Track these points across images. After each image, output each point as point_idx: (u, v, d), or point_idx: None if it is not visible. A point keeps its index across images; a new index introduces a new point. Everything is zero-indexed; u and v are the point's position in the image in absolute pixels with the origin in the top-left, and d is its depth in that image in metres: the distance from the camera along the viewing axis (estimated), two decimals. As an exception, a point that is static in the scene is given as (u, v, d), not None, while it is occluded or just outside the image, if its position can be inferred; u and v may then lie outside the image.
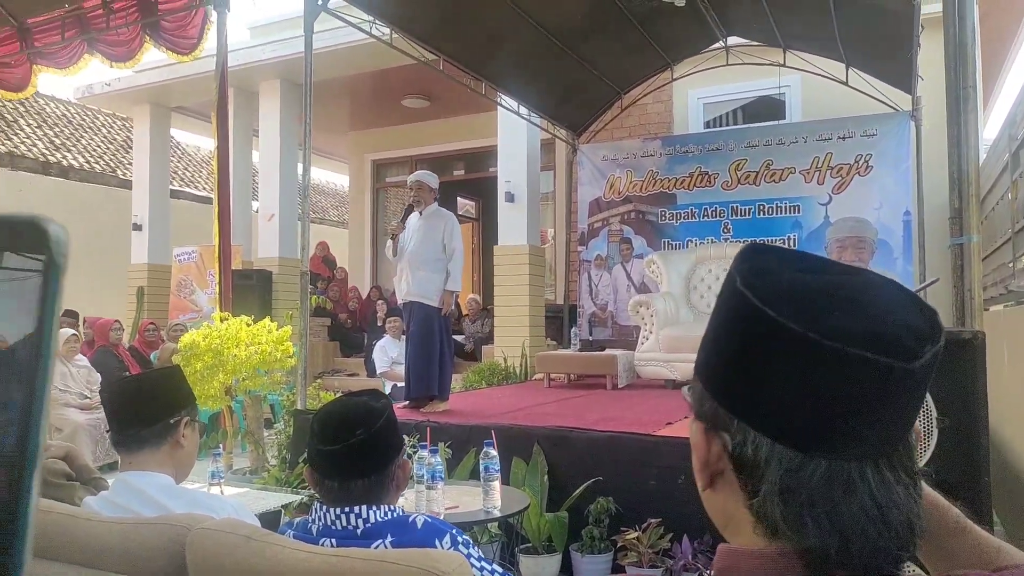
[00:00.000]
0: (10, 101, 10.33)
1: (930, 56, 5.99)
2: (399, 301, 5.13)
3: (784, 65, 7.12)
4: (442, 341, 4.82)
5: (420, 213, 4.89)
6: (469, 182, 11.59)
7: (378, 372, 7.51)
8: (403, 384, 7.01)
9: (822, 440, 0.53)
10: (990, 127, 9.79)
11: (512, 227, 8.04)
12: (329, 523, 1.50)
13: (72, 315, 7.75)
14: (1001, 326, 4.40)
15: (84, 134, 13.19)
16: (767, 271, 0.57)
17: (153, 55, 6.28)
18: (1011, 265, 4.47)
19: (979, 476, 2.24)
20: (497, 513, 2.81)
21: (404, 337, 7.64)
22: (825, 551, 0.53)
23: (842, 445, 0.53)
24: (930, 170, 6.72)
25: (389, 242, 5.00)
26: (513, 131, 7.99)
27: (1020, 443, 3.92)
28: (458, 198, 12.47)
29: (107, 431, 1.79)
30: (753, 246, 0.61)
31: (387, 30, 5.70)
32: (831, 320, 0.52)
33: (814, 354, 0.52)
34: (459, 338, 9.00)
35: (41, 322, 0.32)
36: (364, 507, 1.49)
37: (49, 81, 8.01)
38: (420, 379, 4.79)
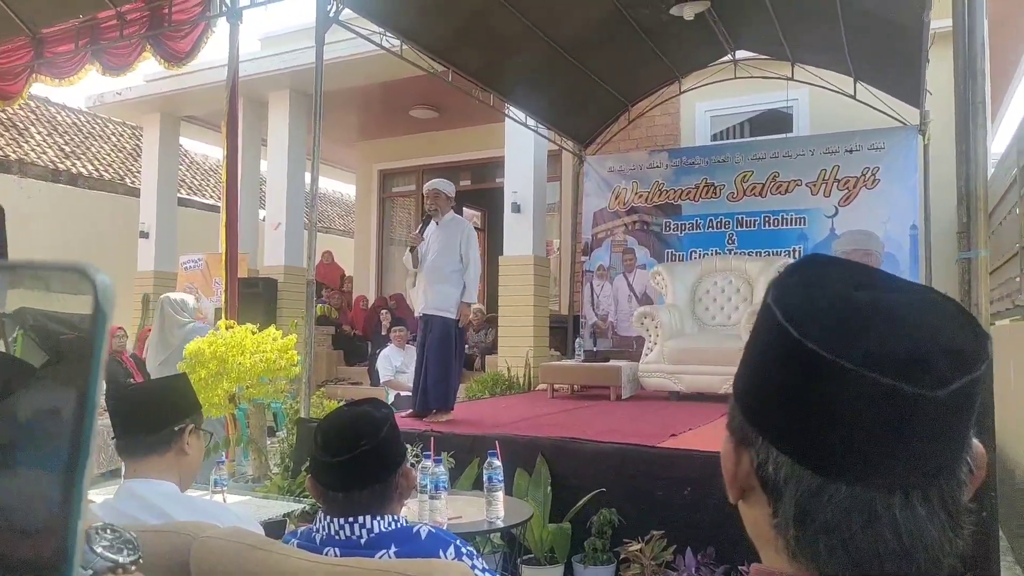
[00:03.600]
0: (4, 110, 10.38)
1: (939, 71, 6.00)
2: (416, 313, 5.16)
3: (792, 79, 7.13)
4: (454, 353, 4.85)
5: (437, 223, 4.90)
6: (475, 193, 11.62)
7: (382, 381, 7.51)
8: (407, 393, 7.04)
9: (842, 466, 0.51)
10: (998, 141, 9.78)
11: (518, 238, 8.05)
12: (333, 533, 1.50)
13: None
14: (1008, 340, 4.38)
15: (94, 142, 13.29)
16: (813, 284, 0.55)
17: (151, 66, 6.32)
18: (1018, 279, 4.46)
19: (986, 492, 2.23)
20: (500, 524, 2.81)
21: (409, 346, 7.71)
22: None
23: (865, 473, 0.51)
24: (937, 184, 6.71)
25: (408, 253, 5.03)
26: (520, 142, 8.01)
27: (1028, 459, 3.90)
28: (464, 208, 12.50)
29: (112, 438, 1.80)
30: (810, 257, 0.59)
31: (397, 42, 5.73)
32: (857, 341, 0.50)
33: (832, 376, 0.50)
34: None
35: (88, 368, 0.33)
36: (368, 517, 1.48)
37: (40, 90, 8.08)
38: (436, 392, 4.78)
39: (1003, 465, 4.17)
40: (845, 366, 0.49)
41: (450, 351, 4.79)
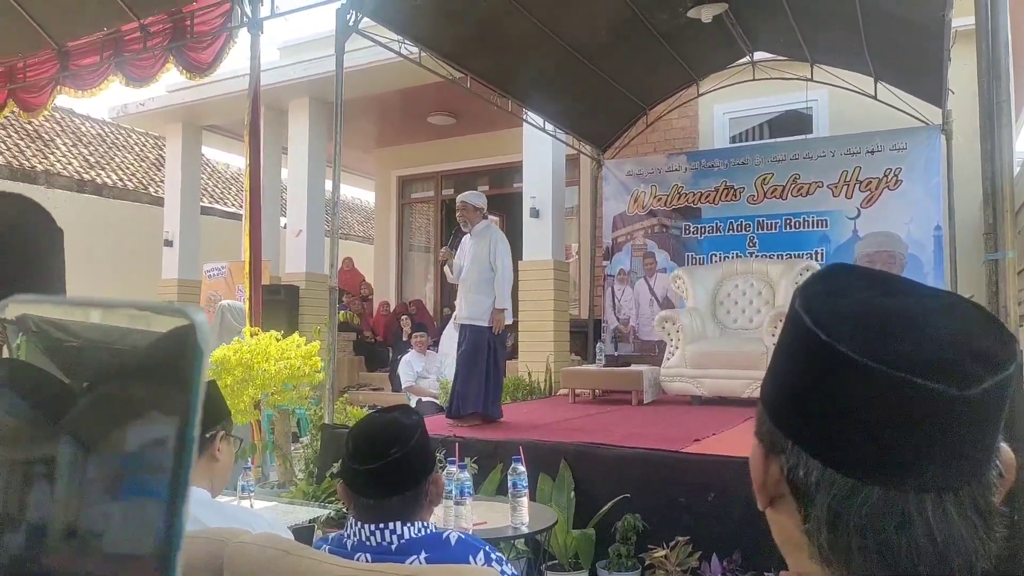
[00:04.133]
0: (30, 122, 10.59)
1: (961, 69, 5.94)
2: (453, 322, 5.32)
3: (811, 80, 7.09)
4: (488, 361, 4.90)
5: (470, 233, 5.02)
6: (494, 198, 11.57)
7: (403, 387, 7.55)
8: (428, 399, 7.08)
9: (875, 468, 0.52)
10: (1022, 140, 9.64)
11: (537, 242, 8.06)
12: (364, 539, 1.51)
13: None
14: (1037, 343, 4.31)
15: (118, 152, 13.49)
16: (840, 292, 0.56)
17: (172, 76, 6.41)
18: (1047, 281, 4.39)
19: (1016, 495, 2.20)
20: (525, 529, 2.81)
21: (430, 352, 7.74)
22: None
23: (897, 475, 0.51)
24: (961, 184, 6.63)
25: (446, 269, 5.22)
26: (538, 147, 8.03)
27: (1059, 463, 3.84)
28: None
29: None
30: (835, 265, 0.59)
31: (415, 49, 5.78)
32: (885, 344, 0.51)
33: (862, 378, 0.50)
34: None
35: (187, 405, 0.34)
36: (399, 523, 1.50)
37: (64, 101, 8.24)
38: (464, 397, 4.89)
39: (1033, 469, 4.10)
40: (876, 368, 0.50)
41: (482, 359, 4.88)
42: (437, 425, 4.91)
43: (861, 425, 0.52)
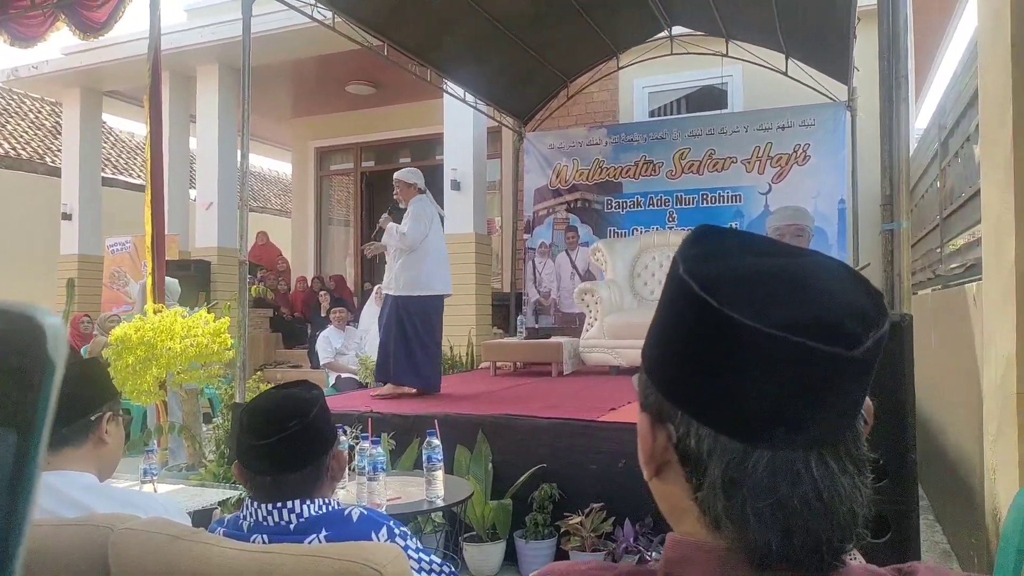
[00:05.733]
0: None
1: (865, 48, 6.16)
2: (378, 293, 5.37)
3: (726, 55, 7.23)
4: (397, 331, 4.89)
5: (407, 210, 5.00)
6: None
7: (322, 363, 7.39)
8: (348, 375, 6.96)
9: (765, 431, 0.52)
10: (921, 117, 10.15)
11: (458, 215, 7.99)
12: (261, 519, 1.45)
13: None
14: (928, 309, 4.57)
15: (10, 119, 12.60)
16: (715, 255, 0.55)
17: (68, 37, 5.98)
18: (939, 250, 4.64)
19: (906, 454, 2.32)
20: (440, 503, 2.80)
21: (350, 327, 7.61)
22: (767, 545, 0.52)
23: (786, 436, 0.52)
24: (864, 159, 6.93)
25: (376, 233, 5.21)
26: (459, 119, 7.92)
27: (944, 422, 4.09)
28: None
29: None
30: (702, 229, 0.59)
31: (329, 14, 5.57)
32: (774, 308, 0.51)
33: (756, 343, 0.51)
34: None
35: (31, 423, 0.31)
36: (297, 501, 1.45)
37: None
38: (384, 365, 4.92)
39: (923, 427, 4.37)
40: (767, 331, 0.50)
41: (388, 326, 4.90)
42: (356, 400, 4.83)
43: (752, 390, 0.52)
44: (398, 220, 5.02)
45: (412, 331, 4.94)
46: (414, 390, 4.96)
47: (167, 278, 5.63)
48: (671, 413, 0.57)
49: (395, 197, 5.08)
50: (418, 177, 5.08)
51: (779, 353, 0.50)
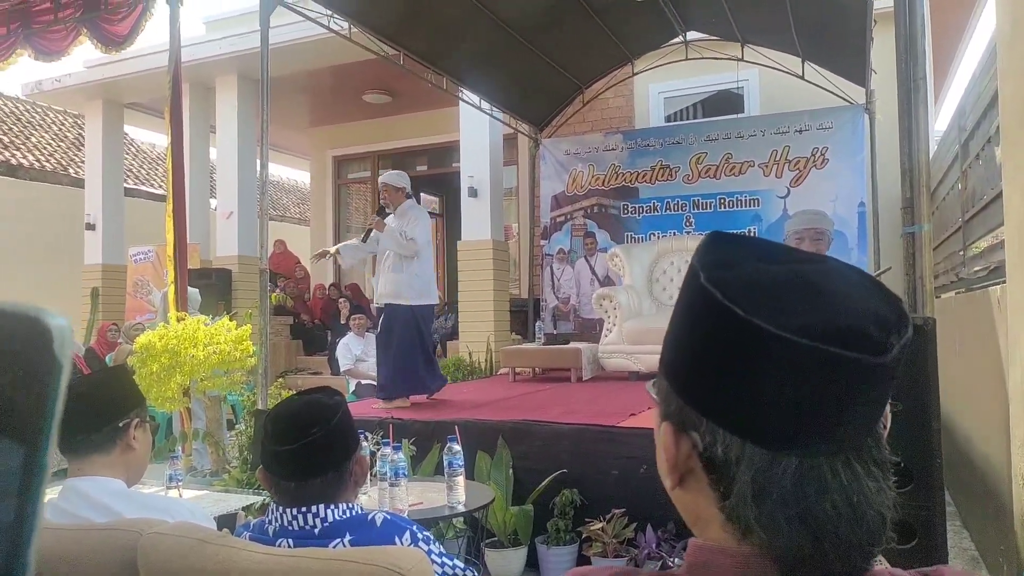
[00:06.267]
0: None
1: (882, 50, 6.13)
2: (375, 304, 5.17)
3: (742, 59, 7.21)
4: (407, 341, 4.80)
5: (393, 214, 4.90)
6: (432, 178, 11.53)
7: (342, 370, 7.44)
8: (368, 382, 6.99)
9: (793, 438, 0.52)
10: (941, 119, 10.05)
11: (475, 222, 8.02)
12: (286, 524, 1.47)
13: None
14: (951, 313, 4.52)
15: (34, 132, 12.81)
16: (730, 263, 0.55)
17: (90, 51, 6.08)
18: (961, 253, 4.60)
19: (932, 458, 2.30)
20: (461, 508, 2.81)
21: (369, 334, 7.65)
22: (800, 551, 0.52)
23: (813, 442, 0.52)
24: (884, 162, 6.86)
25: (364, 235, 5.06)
26: (475, 126, 7.96)
27: (969, 426, 4.04)
28: (421, 194, 12.40)
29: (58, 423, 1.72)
30: (715, 236, 0.59)
31: (345, 24, 5.62)
32: (799, 315, 0.51)
33: (783, 351, 0.51)
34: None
35: (40, 424, 0.31)
36: (322, 506, 1.46)
37: None
38: (384, 380, 4.78)
39: (947, 432, 4.32)
40: (795, 340, 0.50)
41: (408, 337, 4.78)
42: (376, 407, 4.85)
43: (782, 398, 0.52)
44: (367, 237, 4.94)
45: (428, 339, 4.93)
46: (426, 397, 4.92)
47: (189, 288, 5.70)
48: (696, 421, 0.56)
49: (382, 201, 4.98)
50: (406, 181, 5.00)
51: (807, 361, 0.50)
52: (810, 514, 0.52)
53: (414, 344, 4.81)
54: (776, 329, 0.50)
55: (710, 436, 0.55)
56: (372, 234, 4.91)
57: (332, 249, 4.99)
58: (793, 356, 0.50)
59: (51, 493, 1.80)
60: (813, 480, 0.52)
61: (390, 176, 4.99)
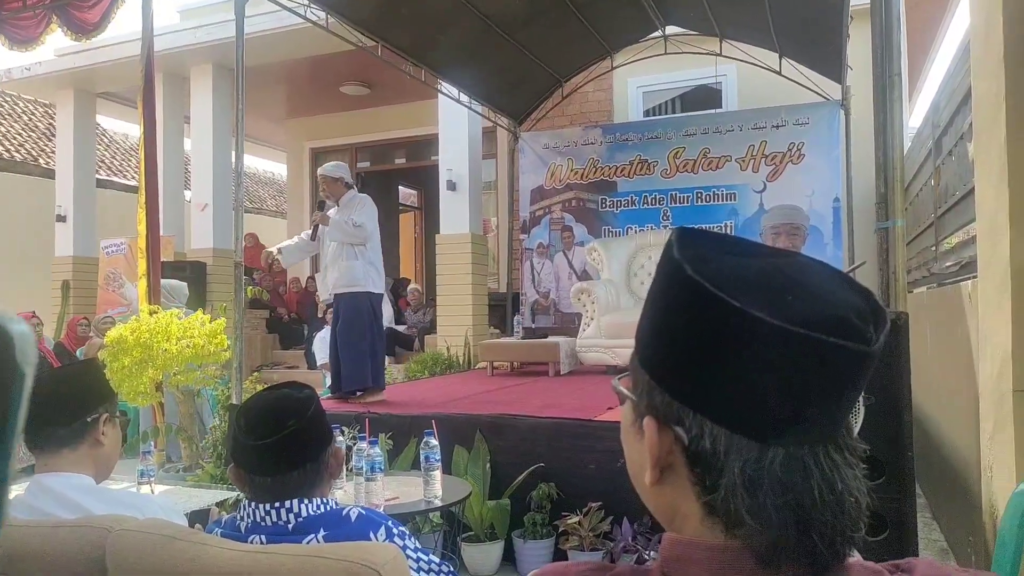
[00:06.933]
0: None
1: (859, 46, 6.19)
2: (323, 298, 5.04)
3: (720, 54, 7.24)
4: (371, 329, 4.69)
5: (337, 206, 4.79)
6: (411, 171, 11.47)
7: (318, 364, 7.38)
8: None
9: (783, 428, 0.53)
10: (915, 116, 10.17)
11: (454, 216, 7.99)
12: (259, 519, 1.45)
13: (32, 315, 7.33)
14: (924, 308, 4.58)
15: (3, 121, 12.55)
16: (706, 257, 0.55)
17: (61, 39, 5.94)
18: (934, 248, 4.66)
19: (903, 451, 2.33)
20: (438, 503, 2.80)
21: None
22: (786, 540, 0.52)
23: (799, 432, 0.53)
24: (859, 158, 6.94)
25: (307, 231, 4.92)
26: (454, 119, 7.92)
27: (940, 419, 4.10)
28: (399, 187, 12.33)
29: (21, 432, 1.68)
30: (685, 231, 0.58)
31: (323, 14, 5.56)
32: (789, 306, 0.51)
33: (778, 341, 0.51)
34: (401, 328, 8.92)
35: (1, 434, 0.30)
36: (295, 501, 1.44)
37: None
38: (350, 372, 4.65)
39: (919, 425, 4.38)
40: (792, 329, 0.50)
41: (357, 326, 4.64)
42: (348, 404, 4.82)
43: (772, 388, 0.52)
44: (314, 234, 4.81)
45: (382, 329, 4.81)
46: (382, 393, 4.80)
47: (175, 281, 5.62)
48: (681, 415, 0.56)
49: (320, 195, 4.87)
50: (343, 171, 4.90)
51: (802, 351, 0.51)
52: (798, 503, 0.52)
53: (373, 331, 4.71)
54: (772, 319, 0.51)
55: (696, 429, 0.55)
56: (319, 230, 4.78)
57: (273, 251, 4.82)
58: (788, 346, 0.51)
59: (18, 489, 1.76)
60: (798, 469, 0.53)
61: (326, 168, 4.89)
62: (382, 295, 4.91)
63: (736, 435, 0.53)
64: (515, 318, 7.21)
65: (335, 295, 4.76)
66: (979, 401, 2.70)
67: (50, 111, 12.53)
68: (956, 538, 3.45)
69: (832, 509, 0.53)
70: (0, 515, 0.30)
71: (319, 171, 4.93)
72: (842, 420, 0.55)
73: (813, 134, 7.28)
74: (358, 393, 4.65)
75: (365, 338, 4.65)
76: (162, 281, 5.04)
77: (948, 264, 4.05)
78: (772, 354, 0.51)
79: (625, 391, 0.62)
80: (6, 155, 11.59)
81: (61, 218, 9.65)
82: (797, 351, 0.51)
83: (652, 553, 3.07)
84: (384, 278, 4.98)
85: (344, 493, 2.84)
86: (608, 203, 8.06)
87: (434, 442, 2.85)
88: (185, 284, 5.92)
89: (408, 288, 9.71)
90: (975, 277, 2.84)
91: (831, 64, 6.60)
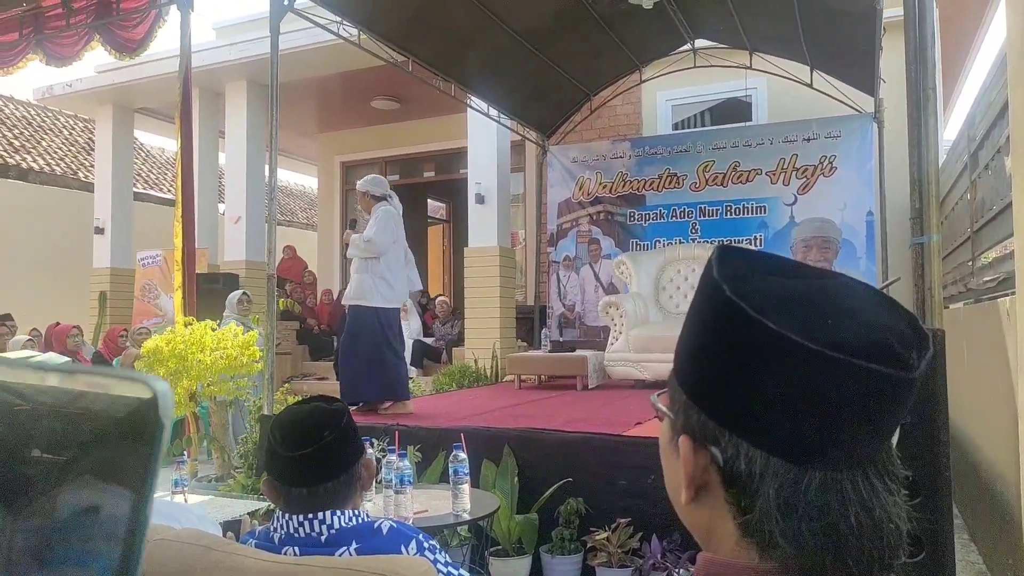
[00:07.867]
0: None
1: (892, 59, 6.11)
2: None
3: (750, 68, 7.20)
4: (376, 343, 4.67)
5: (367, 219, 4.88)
6: (439, 184, 11.55)
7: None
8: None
9: (820, 452, 0.52)
10: (950, 129, 10.02)
11: (482, 229, 8.03)
12: (292, 531, 1.47)
13: (8, 318, 7.42)
14: (961, 324, 4.49)
15: (44, 136, 12.90)
16: (745, 276, 0.55)
17: (100, 56, 6.13)
18: (970, 264, 4.57)
19: (940, 471, 2.28)
20: (466, 516, 2.80)
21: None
22: (822, 566, 0.52)
23: (836, 456, 0.52)
24: (892, 171, 6.85)
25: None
26: (483, 133, 7.98)
27: (977, 438, 4.01)
28: (428, 200, 12.43)
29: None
30: (726, 249, 0.58)
31: (355, 31, 5.65)
32: (829, 330, 0.51)
33: (817, 366, 0.50)
34: (429, 340, 8.96)
35: (144, 480, 0.35)
36: (328, 513, 1.46)
37: None
38: (347, 383, 4.66)
39: (956, 444, 4.28)
40: (828, 354, 0.50)
41: (359, 340, 4.63)
42: (378, 416, 4.85)
43: (810, 412, 0.51)
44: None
45: (397, 343, 4.78)
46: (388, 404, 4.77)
47: (243, 292, 5.65)
48: (717, 435, 0.56)
49: (357, 210, 4.93)
50: (375, 184, 4.90)
51: (840, 376, 0.50)
52: (834, 528, 0.52)
53: (380, 346, 4.65)
54: (811, 344, 0.50)
55: (732, 450, 0.55)
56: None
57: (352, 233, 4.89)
58: (827, 371, 0.50)
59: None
60: (836, 493, 0.52)
61: (361, 183, 4.93)
62: (396, 309, 4.87)
63: (773, 457, 0.53)
64: (542, 331, 7.20)
65: (347, 306, 4.82)
66: (1018, 420, 2.63)
67: (89, 126, 12.85)
68: (995, 561, 3.36)
69: (869, 535, 0.52)
70: (140, 552, 0.34)
71: (357, 186, 4.99)
72: (881, 445, 0.54)
73: (845, 147, 7.20)
74: (385, 406, 4.67)
75: (362, 352, 4.62)
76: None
77: (985, 279, 3.98)
78: (811, 379, 0.51)
79: (663, 408, 0.62)
80: (47, 169, 11.91)
81: (99, 230, 9.89)
82: (836, 377, 0.50)
83: (681, 571, 3.03)
84: (403, 291, 4.95)
85: (373, 505, 2.86)
86: (637, 216, 8.04)
87: (463, 456, 2.86)
88: (239, 291, 5.95)
89: (436, 300, 9.76)
90: (1013, 293, 2.79)
91: (863, 77, 6.53)
